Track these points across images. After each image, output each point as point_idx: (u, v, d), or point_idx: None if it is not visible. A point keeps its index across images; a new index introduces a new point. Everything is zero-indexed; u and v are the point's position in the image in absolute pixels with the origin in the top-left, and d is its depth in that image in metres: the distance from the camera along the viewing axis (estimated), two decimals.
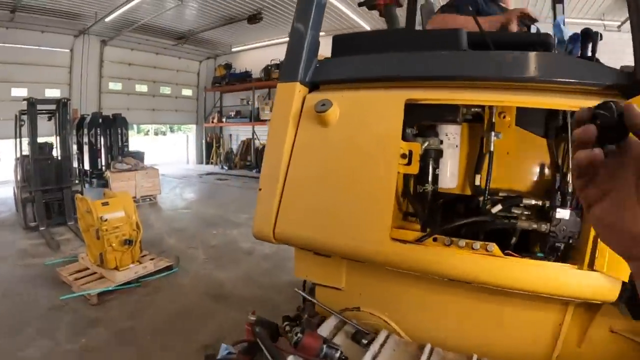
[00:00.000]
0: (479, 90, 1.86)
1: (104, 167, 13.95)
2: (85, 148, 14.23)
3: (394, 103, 1.91)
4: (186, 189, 14.79)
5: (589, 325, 1.94)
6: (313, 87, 2.24)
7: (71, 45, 16.24)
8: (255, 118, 18.80)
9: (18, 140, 9.12)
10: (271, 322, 2.26)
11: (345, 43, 2.37)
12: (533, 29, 3.02)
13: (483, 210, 2.01)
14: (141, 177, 11.52)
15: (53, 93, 15.54)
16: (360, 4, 3.59)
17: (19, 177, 8.93)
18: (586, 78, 1.74)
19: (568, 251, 1.89)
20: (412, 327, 2.26)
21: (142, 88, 19.87)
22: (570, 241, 1.86)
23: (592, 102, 0.66)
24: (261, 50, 18.95)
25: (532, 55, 1.85)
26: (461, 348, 2.11)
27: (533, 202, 1.97)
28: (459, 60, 1.94)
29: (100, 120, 14.53)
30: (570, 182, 1.88)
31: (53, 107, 9.18)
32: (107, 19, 14.49)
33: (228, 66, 20.44)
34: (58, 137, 9.15)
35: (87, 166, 14.28)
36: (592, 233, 1.65)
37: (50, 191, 8.59)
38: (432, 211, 2.17)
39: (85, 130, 14.17)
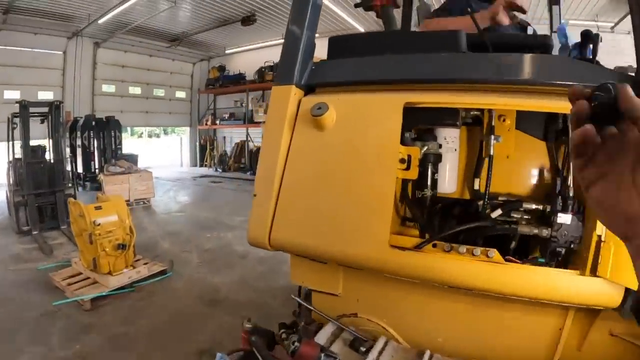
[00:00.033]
0: (478, 93, 1.82)
1: (97, 170, 13.88)
2: (79, 151, 14.17)
3: (392, 106, 1.87)
4: (180, 191, 14.72)
5: (589, 329, 1.92)
6: (309, 90, 2.19)
7: (64, 47, 16.17)
8: (249, 120, 18.77)
9: (10, 143, 9.06)
10: (267, 330, 2.22)
11: (342, 45, 2.32)
12: (530, 30, 3.00)
13: (483, 215, 1.98)
14: (135, 180, 11.44)
15: (46, 95, 15.39)
16: (356, 5, 3.56)
17: (11, 181, 8.88)
18: (587, 80, 1.71)
19: (569, 256, 1.87)
20: (410, 333, 2.22)
21: (136, 90, 19.80)
22: (572, 246, 1.83)
23: None
24: (255, 52, 18.95)
25: (533, 57, 1.82)
26: (460, 354, 2.09)
27: (533, 206, 1.94)
28: (459, 63, 1.91)
29: (94, 123, 14.46)
30: (571, 186, 1.86)
31: (46, 109, 9.10)
32: (100, 21, 14.42)
33: (222, 68, 20.42)
34: (51, 140, 9.07)
35: (80, 169, 14.21)
36: (594, 238, 1.62)
37: (43, 195, 8.51)
38: (430, 216, 2.14)
39: (79, 133, 14.12)
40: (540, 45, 2.16)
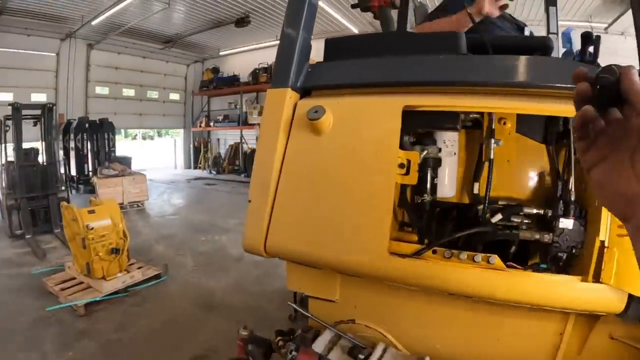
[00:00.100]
0: (479, 96, 1.78)
1: (90, 173, 13.83)
2: (72, 153, 14.11)
3: (391, 110, 1.82)
4: (174, 194, 14.65)
5: (590, 333, 1.88)
6: (304, 93, 2.13)
7: (57, 48, 16.11)
8: (243, 122, 18.79)
9: (2, 146, 8.98)
10: (264, 338, 2.19)
11: (339, 46, 2.27)
12: (526, 32, 2.98)
13: (483, 219, 1.95)
14: (128, 183, 11.37)
15: (39, 97, 15.36)
16: (353, 6, 3.51)
17: (3, 184, 8.79)
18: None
19: (570, 260, 1.83)
20: (409, 340, 2.18)
21: (129, 92, 19.77)
22: (574, 251, 1.80)
23: None
24: (249, 54, 18.96)
25: (534, 59, 1.80)
26: (460, 359, 2.06)
27: (534, 211, 1.90)
28: (460, 65, 1.87)
29: (87, 125, 14.40)
30: (573, 190, 1.83)
31: (38, 112, 9.04)
32: (94, 22, 14.36)
33: (216, 70, 20.43)
34: (44, 143, 9.01)
35: (73, 172, 14.14)
36: (597, 244, 1.59)
37: (36, 198, 8.44)
38: (429, 222, 2.11)
39: (72, 136, 14.05)
40: (541, 47, 2.14)
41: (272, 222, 2.00)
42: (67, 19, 14.31)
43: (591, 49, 2.00)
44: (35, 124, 9.13)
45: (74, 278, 5.73)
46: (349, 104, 1.96)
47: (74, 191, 13.29)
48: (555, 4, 3.78)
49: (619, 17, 11.66)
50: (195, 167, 21.87)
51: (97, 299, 5.22)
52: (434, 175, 1.99)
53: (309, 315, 2.36)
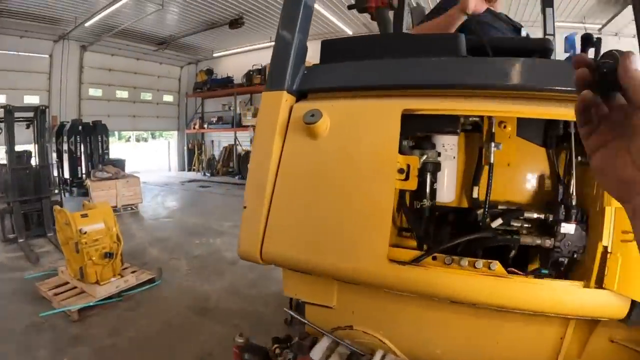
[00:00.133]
0: (480, 100, 1.75)
1: (84, 176, 13.76)
2: (65, 156, 14.03)
3: (390, 113, 1.78)
4: (168, 197, 14.60)
5: (590, 336, 1.87)
6: (300, 95, 2.09)
7: (50, 50, 16.05)
8: (237, 124, 18.79)
9: None
10: (260, 346, 2.15)
11: (335, 48, 2.24)
12: (523, 33, 2.96)
13: (483, 224, 1.92)
14: (122, 186, 11.30)
15: (32, 99, 15.31)
16: (350, 7, 3.47)
17: None
18: None
19: (571, 265, 1.82)
20: (408, 345, 2.15)
21: (123, 94, 19.71)
22: (575, 256, 1.78)
23: None
24: (243, 56, 18.98)
25: (535, 62, 1.78)
26: None
27: (535, 215, 1.88)
28: (460, 67, 1.83)
29: (80, 128, 14.32)
30: (574, 194, 1.81)
31: (31, 114, 8.96)
32: (87, 24, 14.30)
33: (209, 72, 20.40)
34: (36, 145, 8.94)
35: (67, 175, 14.07)
36: (600, 249, 1.57)
37: (28, 202, 8.34)
38: (429, 227, 2.08)
39: (65, 138, 13.98)
40: (540, 48, 2.11)
41: (268, 229, 1.96)
42: (60, 21, 14.25)
43: (592, 50, 1.97)
44: (28, 127, 9.05)
45: (68, 283, 5.66)
46: (346, 107, 1.93)
47: (67, 194, 13.23)
48: (551, 5, 3.76)
49: (612, 17, 11.70)
50: (189, 169, 21.83)
51: (91, 304, 5.16)
52: (434, 180, 1.97)
53: (306, 321, 2.33)
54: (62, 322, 4.88)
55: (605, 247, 1.56)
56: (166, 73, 21.37)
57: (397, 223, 2.14)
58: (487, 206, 1.91)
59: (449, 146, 1.99)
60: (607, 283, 1.54)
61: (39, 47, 15.56)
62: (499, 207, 1.98)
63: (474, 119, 1.94)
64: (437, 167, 1.95)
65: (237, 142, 19.26)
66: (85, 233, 5.21)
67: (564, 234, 1.77)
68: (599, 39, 1.98)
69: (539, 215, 1.88)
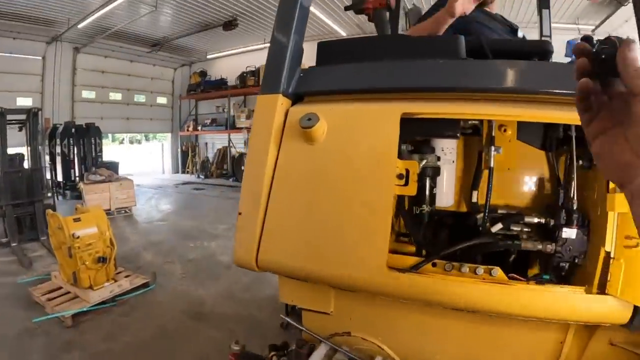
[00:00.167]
0: (481, 103, 1.71)
1: (77, 179, 13.67)
2: (58, 159, 13.93)
3: (389, 117, 1.74)
4: (162, 199, 14.55)
5: (589, 340, 1.85)
6: (297, 99, 2.05)
7: (43, 52, 15.94)
8: (231, 126, 18.77)
9: None
10: (256, 355, 2.12)
11: (332, 50, 2.19)
12: (519, 34, 2.94)
13: (483, 229, 1.89)
14: (115, 189, 11.25)
15: (25, 102, 15.19)
16: (347, 8, 3.44)
17: None
18: None
19: (572, 269, 1.80)
20: (407, 351, 2.11)
21: (116, 96, 19.60)
22: (576, 260, 1.76)
23: None
24: (236, 57, 18.95)
25: (536, 64, 1.75)
26: None
27: (535, 220, 1.85)
28: (460, 70, 1.80)
29: (73, 130, 14.23)
30: (575, 198, 1.78)
31: (23, 117, 8.90)
32: (80, 26, 14.22)
33: (203, 73, 20.39)
34: (29, 148, 8.87)
35: (60, 178, 13.96)
36: (602, 255, 1.55)
37: (21, 205, 8.26)
38: (428, 232, 2.05)
39: (58, 141, 13.88)
40: (539, 51, 2.08)
41: (263, 236, 1.91)
42: (53, 22, 14.17)
43: None
44: (20, 129, 9.00)
45: (61, 288, 5.62)
46: (343, 111, 1.88)
47: (60, 197, 13.15)
48: (548, 7, 3.74)
49: (606, 19, 11.73)
50: (183, 172, 21.78)
51: (85, 309, 5.11)
52: (433, 185, 1.94)
53: (303, 328, 2.29)
54: (55, 328, 4.82)
55: (608, 253, 1.54)
56: (160, 75, 21.29)
57: (395, 228, 2.11)
58: (487, 210, 1.88)
59: (448, 150, 1.96)
60: (610, 289, 1.52)
61: (31, 48, 15.45)
62: (499, 211, 1.96)
63: (474, 122, 1.91)
64: (436, 171, 1.92)
65: (231, 144, 19.25)
66: (78, 237, 5.15)
67: (566, 239, 1.75)
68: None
69: (539, 220, 1.85)
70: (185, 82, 21.50)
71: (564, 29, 11.51)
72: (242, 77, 18.04)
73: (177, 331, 4.81)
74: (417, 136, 1.93)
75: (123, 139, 29.03)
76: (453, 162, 2.00)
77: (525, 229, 1.90)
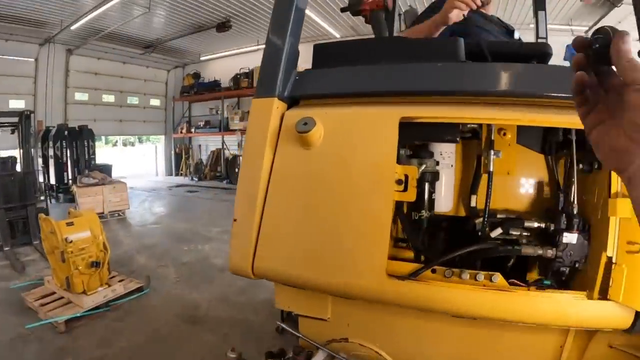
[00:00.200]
0: (480, 107, 1.69)
1: (70, 182, 13.58)
2: (51, 162, 13.81)
3: (387, 121, 1.71)
4: (156, 202, 14.47)
5: (589, 343, 1.85)
6: (292, 102, 2.02)
7: (36, 54, 15.83)
8: (224, 128, 18.69)
9: None
10: None
11: (329, 53, 2.16)
12: (516, 36, 2.92)
13: (482, 234, 1.87)
14: (109, 192, 11.16)
15: (17, 104, 15.07)
16: (343, 9, 3.41)
17: None
18: None
19: (573, 275, 1.78)
20: (406, 357, 2.10)
21: (109, 98, 19.52)
22: (577, 265, 1.74)
23: None
24: (230, 59, 18.91)
25: (536, 67, 1.73)
26: None
27: (535, 224, 1.83)
28: (460, 73, 1.77)
29: (66, 133, 14.09)
30: (575, 202, 1.76)
31: (16, 119, 8.85)
32: (73, 27, 14.15)
33: (196, 75, 20.33)
34: (21, 151, 8.81)
35: (53, 181, 13.87)
36: (604, 260, 1.54)
37: (13, 209, 8.16)
38: (426, 238, 2.03)
39: (51, 143, 13.74)
40: (539, 53, 2.06)
41: (259, 243, 1.88)
42: (46, 24, 14.08)
43: None
44: (12, 132, 8.95)
45: (54, 293, 5.55)
46: (341, 115, 1.86)
47: (53, 200, 13.04)
48: (544, 9, 3.73)
49: (599, 19, 11.76)
50: (176, 174, 21.70)
51: (78, 314, 5.05)
52: (433, 190, 1.91)
53: (300, 335, 2.27)
54: (49, 334, 4.76)
55: (610, 258, 1.53)
56: (153, 77, 21.22)
57: (393, 233, 2.08)
58: (486, 215, 1.85)
59: (446, 154, 1.94)
60: (612, 294, 1.51)
61: (24, 50, 15.35)
62: (498, 216, 1.94)
63: (472, 126, 1.89)
64: (435, 176, 1.90)
65: (225, 146, 19.19)
66: (71, 242, 5.09)
67: (566, 244, 1.73)
68: None
69: (539, 224, 1.83)
70: (178, 84, 21.44)
71: (558, 30, 11.53)
72: (236, 79, 18.00)
73: (172, 335, 4.76)
74: (415, 140, 1.91)
75: (116, 142, 28.93)
76: (452, 166, 1.97)
77: (525, 234, 1.88)
